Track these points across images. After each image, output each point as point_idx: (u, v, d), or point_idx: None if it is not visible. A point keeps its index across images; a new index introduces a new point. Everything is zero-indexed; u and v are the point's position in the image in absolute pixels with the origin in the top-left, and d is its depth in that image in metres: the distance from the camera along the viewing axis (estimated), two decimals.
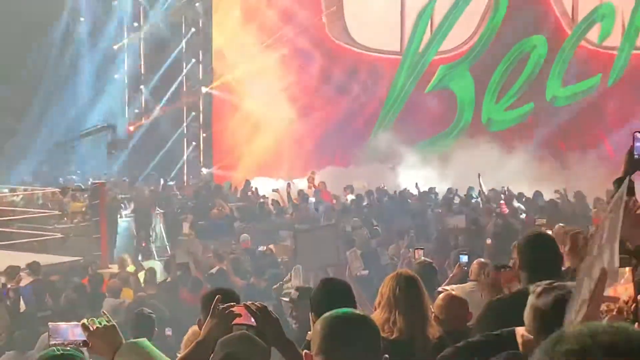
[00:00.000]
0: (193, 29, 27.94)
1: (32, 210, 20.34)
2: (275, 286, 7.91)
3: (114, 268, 14.88)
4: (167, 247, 18.98)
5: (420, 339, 4.56)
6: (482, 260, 8.55)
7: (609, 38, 25.59)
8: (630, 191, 4.07)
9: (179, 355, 5.28)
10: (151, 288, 11.85)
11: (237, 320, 3.45)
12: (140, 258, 17.31)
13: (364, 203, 20.36)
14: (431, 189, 22.17)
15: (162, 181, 23.92)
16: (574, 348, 1.28)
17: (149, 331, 6.95)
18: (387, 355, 2.68)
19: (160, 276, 12.91)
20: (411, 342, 4.51)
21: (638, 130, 3.98)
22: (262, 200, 21.09)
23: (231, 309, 3.47)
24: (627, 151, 4.11)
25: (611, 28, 25.52)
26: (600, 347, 1.26)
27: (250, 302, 3.41)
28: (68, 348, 3.42)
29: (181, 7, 27.63)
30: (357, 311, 2.82)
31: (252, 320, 3.35)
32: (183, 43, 27.92)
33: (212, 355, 3.60)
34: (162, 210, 20.42)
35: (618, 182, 4.20)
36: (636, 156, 4.04)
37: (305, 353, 2.66)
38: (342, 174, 23.62)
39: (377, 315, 4.65)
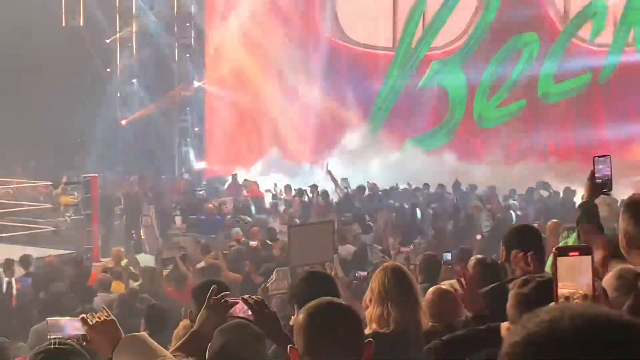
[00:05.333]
0: (187, 24, 27.92)
1: (24, 203, 20.32)
2: (262, 287, 7.91)
3: (107, 262, 14.91)
4: (159, 241, 18.98)
5: (414, 330, 4.60)
6: (480, 256, 8.59)
7: (601, 35, 25.65)
8: (593, 216, 4.13)
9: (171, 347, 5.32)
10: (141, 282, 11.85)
11: (234, 313, 3.49)
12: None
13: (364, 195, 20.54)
14: (425, 185, 22.23)
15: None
16: (544, 318, 1.33)
17: (161, 324, 6.90)
18: (371, 339, 2.72)
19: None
20: (405, 333, 4.55)
21: (597, 155, 4.05)
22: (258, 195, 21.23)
23: (229, 301, 3.51)
24: (588, 176, 4.17)
25: (603, 25, 25.59)
26: (567, 316, 1.31)
27: (247, 296, 3.45)
28: (66, 341, 3.45)
29: (174, 2, 27.63)
30: (338, 300, 2.85)
31: (249, 313, 3.39)
32: (176, 37, 27.91)
33: (209, 344, 3.64)
34: (152, 205, 20.43)
35: (583, 206, 4.27)
36: (598, 180, 4.11)
37: (290, 347, 2.69)
38: (334, 170, 23.62)
39: (370, 311, 4.68)
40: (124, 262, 13.76)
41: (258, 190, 21.63)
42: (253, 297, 3.44)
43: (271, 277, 8.22)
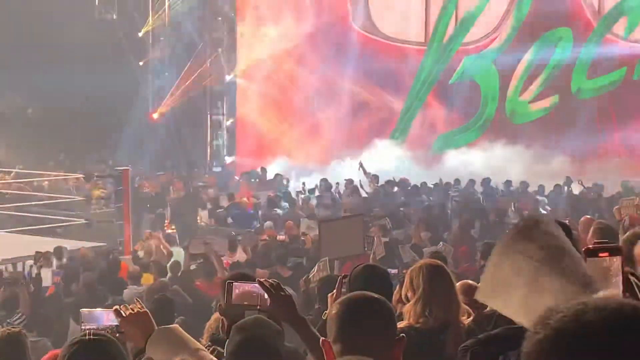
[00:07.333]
0: (219, 18, 28.01)
1: (57, 195, 20.49)
2: (303, 278, 7.93)
3: (138, 245, 15.11)
4: (187, 234, 19.06)
5: (454, 328, 4.62)
6: None
7: (635, 31, 25.39)
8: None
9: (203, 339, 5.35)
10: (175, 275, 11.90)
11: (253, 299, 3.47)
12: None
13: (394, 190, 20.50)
14: (456, 181, 22.14)
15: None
16: (566, 313, 1.32)
17: (169, 316, 6.91)
18: (403, 334, 2.74)
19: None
20: (443, 330, 4.59)
21: None
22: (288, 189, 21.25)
23: (244, 287, 3.50)
24: None
25: (638, 21, 25.32)
26: (592, 309, 1.30)
27: (264, 279, 3.46)
28: (100, 332, 3.48)
29: None
30: (372, 294, 2.86)
31: (266, 297, 3.39)
32: (207, 30, 27.99)
33: (227, 340, 3.64)
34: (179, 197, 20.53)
35: None
36: None
37: (323, 340, 2.71)
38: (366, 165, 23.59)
39: (409, 307, 4.67)
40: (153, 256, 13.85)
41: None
42: (269, 280, 3.46)
43: (314, 268, 8.26)
